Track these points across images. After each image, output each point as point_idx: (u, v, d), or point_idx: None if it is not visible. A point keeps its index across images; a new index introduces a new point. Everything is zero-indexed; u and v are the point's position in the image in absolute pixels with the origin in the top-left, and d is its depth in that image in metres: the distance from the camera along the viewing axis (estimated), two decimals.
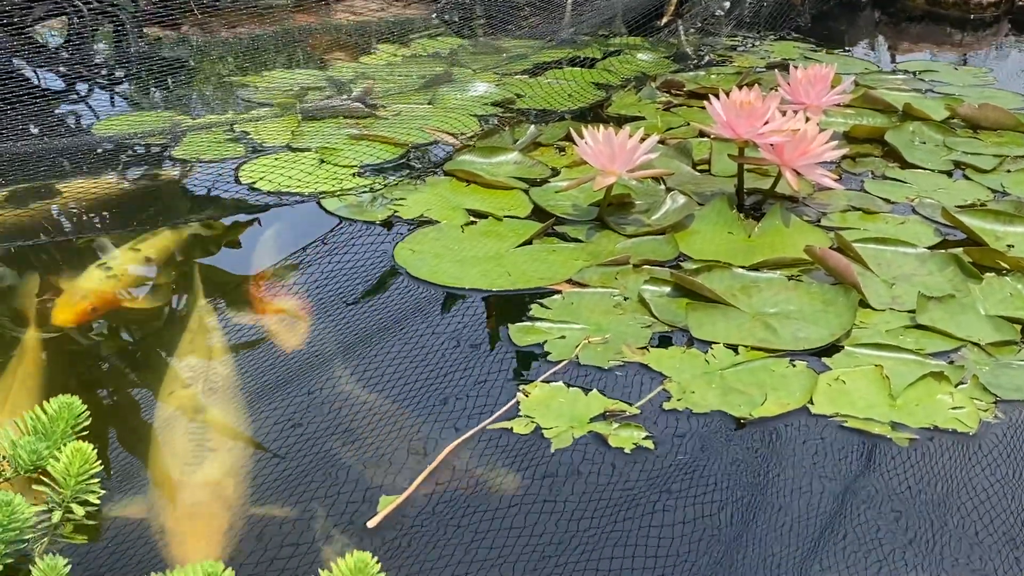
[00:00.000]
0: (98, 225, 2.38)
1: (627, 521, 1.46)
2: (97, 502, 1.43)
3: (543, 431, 1.63)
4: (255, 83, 3.33)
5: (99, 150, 2.81)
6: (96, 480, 1.44)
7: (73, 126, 3.02)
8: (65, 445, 1.49)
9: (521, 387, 1.74)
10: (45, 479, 1.43)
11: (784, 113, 2.37)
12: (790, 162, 2.32)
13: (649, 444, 1.60)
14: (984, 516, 1.49)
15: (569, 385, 1.75)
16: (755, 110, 2.31)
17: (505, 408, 1.69)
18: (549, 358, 1.83)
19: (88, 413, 1.53)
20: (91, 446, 1.44)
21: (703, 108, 2.60)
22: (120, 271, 2.14)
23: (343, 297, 2.06)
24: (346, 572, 1.21)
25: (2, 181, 2.48)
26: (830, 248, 2.13)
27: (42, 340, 1.88)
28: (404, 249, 2.21)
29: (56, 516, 1.40)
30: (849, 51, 4.14)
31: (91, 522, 1.42)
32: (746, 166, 2.47)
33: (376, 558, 1.21)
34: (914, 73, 3.67)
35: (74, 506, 1.42)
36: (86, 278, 2.10)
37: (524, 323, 1.94)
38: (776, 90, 2.53)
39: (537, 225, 2.31)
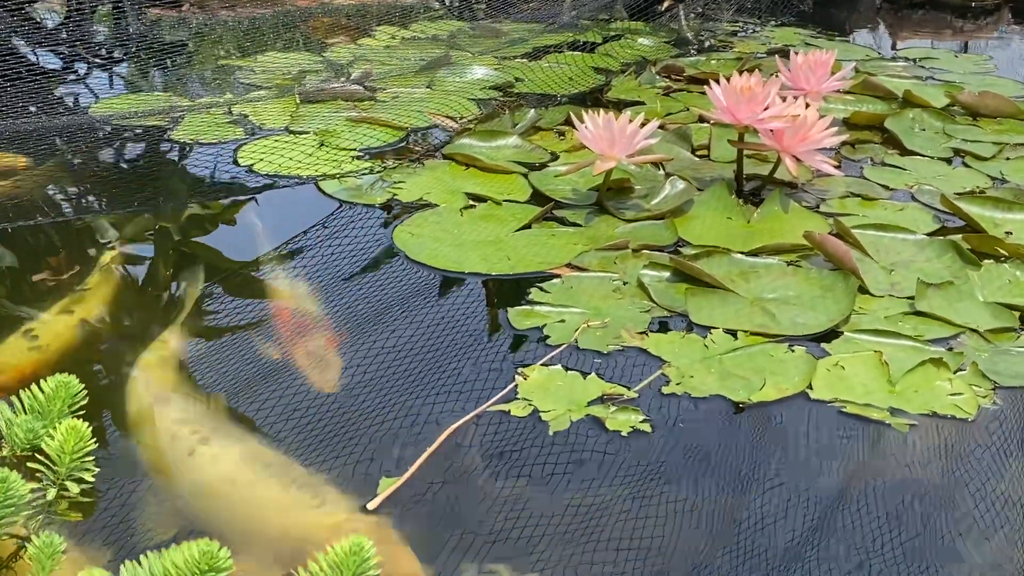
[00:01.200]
0: (97, 206, 2.38)
1: (624, 501, 1.46)
2: (92, 480, 1.43)
3: (541, 414, 1.63)
4: (253, 65, 3.32)
5: (99, 132, 2.81)
6: (91, 458, 1.44)
7: (71, 106, 3.02)
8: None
9: (520, 370, 1.74)
10: (40, 457, 1.43)
11: (784, 99, 2.37)
12: (790, 148, 2.32)
13: (646, 427, 1.60)
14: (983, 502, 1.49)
15: (568, 369, 1.75)
16: (755, 95, 2.30)
17: (504, 391, 1.69)
18: (548, 342, 1.83)
19: (85, 392, 1.54)
20: (86, 424, 1.44)
21: (703, 93, 2.59)
22: (46, 342, 1.83)
23: (341, 279, 2.06)
24: (341, 556, 1.20)
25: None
26: (829, 234, 2.13)
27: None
28: (403, 232, 2.21)
29: (51, 494, 1.40)
30: (850, 38, 4.13)
31: (86, 499, 1.42)
32: (746, 152, 2.46)
33: (372, 542, 1.20)
34: (915, 60, 3.67)
35: (69, 484, 1.42)
36: (5, 349, 1.79)
37: (523, 307, 1.93)
38: (776, 76, 2.52)
39: (536, 209, 2.30)
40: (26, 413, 1.50)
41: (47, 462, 1.42)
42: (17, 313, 1.92)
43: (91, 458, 1.43)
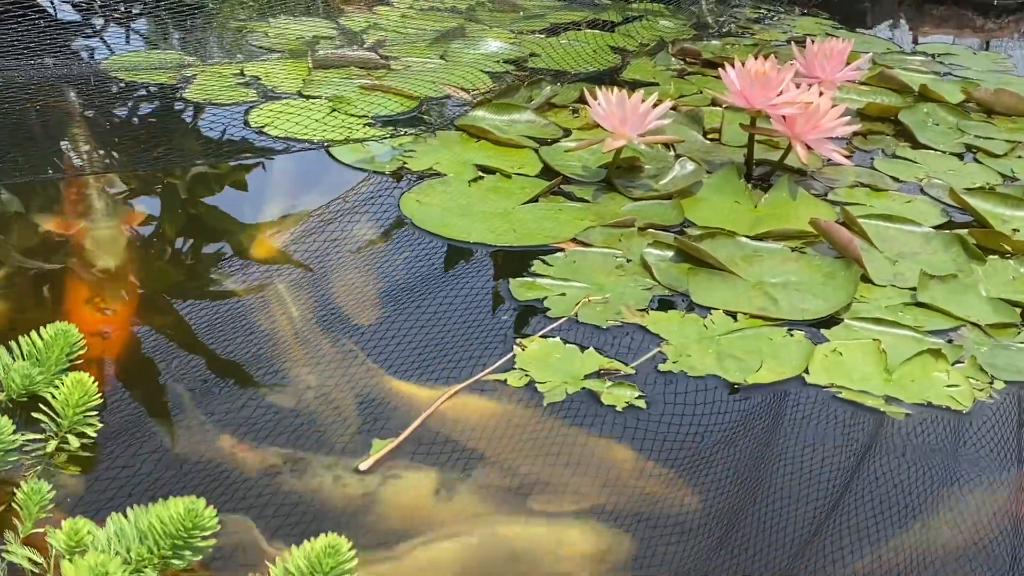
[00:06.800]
0: (108, 162, 2.38)
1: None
2: (94, 435, 1.44)
3: (537, 384, 1.64)
4: (267, 29, 3.31)
5: (113, 87, 2.81)
6: (94, 413, 1.45)
7: (87, 59, 3.02)
8: (59, 372, 1.50)
9: (518, 341, 1.75)
10: (43, 407, 1.44)
11: (798, 86, 2.36)
12: (801, 135, 2.31)
13: (641, 403, 1.61)
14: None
15: (566, 342, 1.75)
16: (769, 80, 2.29)
17: (501, 361, 1.70)
18: (548, 314, 1.84)
19: (84, 342, 1.54)
20: (92, 377, 1.44)
21: (718, 77, 2.59)
22: None
23: (346, 244, 2.07)
24: (312, 556, 1.17)
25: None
26: (835, 222, 2.12)
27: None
28: (411, 200, 2.21)
29: (51, 445, 1.41)
30: (872, 30, 4.11)
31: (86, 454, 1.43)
32: (756, 137, 2.46)
33: (351, 542, 1.18)
34: (933, 55, 3.64)
35: (70, 437, 1.43)
36: None
37: (525, 278, 1.94)
38: (792, 63, 2.51)
39: (545, 183, 2.30)
40: (24, 359, 1.52)
41: (51, 413, 1.43)
42: (26, 265, 1.93)
43: (94, 413, 1.44)
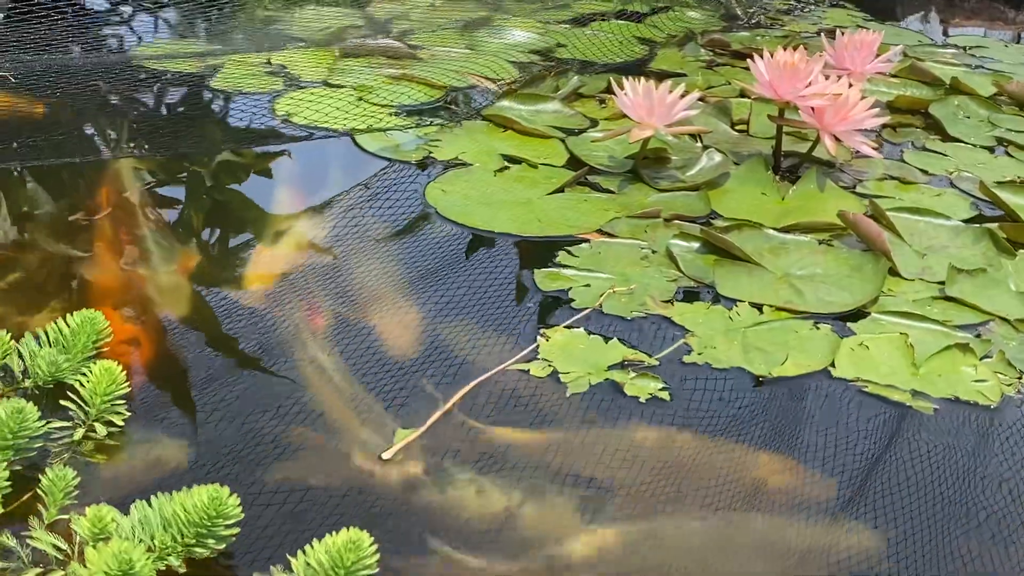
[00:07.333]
0: (134, 149, 2.39)
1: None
2: (121, 423, 1.44)
3: (560, 375, 1.63)
4: (294, 17, 3.31)
5: (141, 75, 2.82)
6: (122, 402, 1.45)
7: (115, 47, 3.03)
8: (85, 360, 1.51)
9: (542, 331, 1.74)
10: (71, 395, 1.44)
11: (827, 77, 2.34)
12: (830, 127, 2.29)
13: (665, 395, 1.60)
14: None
15: (590, 332, 1.74)
16: (798, 71, 2.27)
17: (525, 351, 1.69)
18: (573, 305, 1.83)
19: (110, 329, 1.55)
20: (120, 366, 1.45)
21: (746, 69, 2.57)
22: None
23: (370, 232, 2.07)
24: (333, 551, 1.18)
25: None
26: (863, 215, 2.10)
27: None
28: (435, 189, 2.21)
29: (78, 434, 1.42)
30: (903, 23, 4.07)
31: (112, 443, 1.43)
32: (784, 129, 2.44)
33: (372, 537, 1.19)
34: (964, 48, 3.60)
35: (97, 425, 1.43)
36: None
37: (550, 269, 1.93)
38: (821, 54, 2.49)
39: (571, 174, 2.29)
40: (50, 346, 1.52)
41: (79, 401, 1.44)
42: (55, 251, 1.94)
43: (122, 401, 1.45)
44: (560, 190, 2.24)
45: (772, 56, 2.30)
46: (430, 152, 2.39)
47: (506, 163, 2.36)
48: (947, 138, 2.70)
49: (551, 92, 2.76)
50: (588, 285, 1.89)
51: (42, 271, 1.86)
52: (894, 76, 3.05)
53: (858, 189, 2.34)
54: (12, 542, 1.22)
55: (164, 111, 2.68)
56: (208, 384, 1.58)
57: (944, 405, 1.63)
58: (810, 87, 2.29)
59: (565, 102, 2.70)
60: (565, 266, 1.95)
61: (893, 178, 2.41)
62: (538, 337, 1.73)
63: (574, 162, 2.39)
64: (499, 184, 2.26)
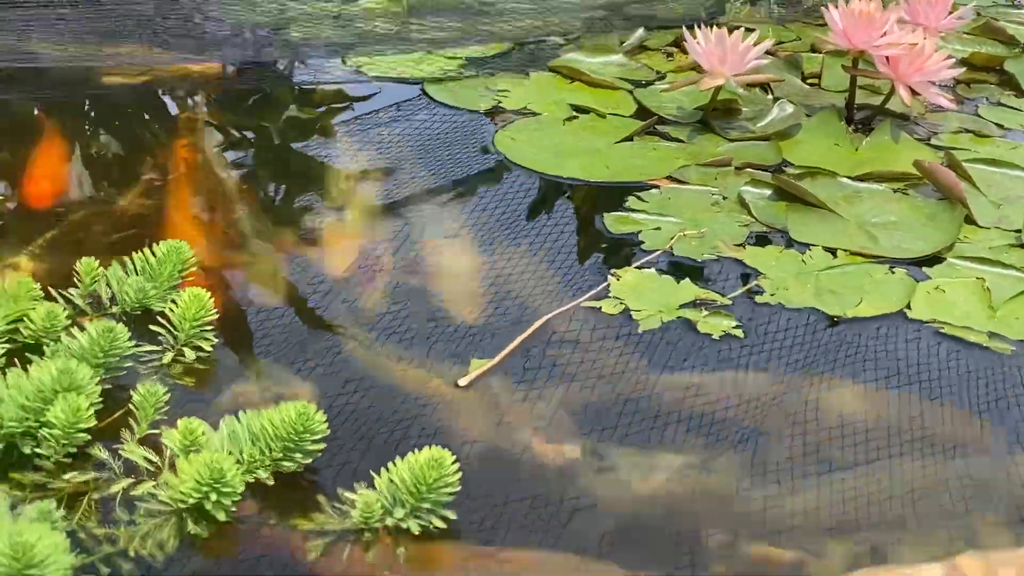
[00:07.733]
0: (199, 102, 2.42)
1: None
2: (209, 349, 1.48)
3: (632, 312, 1.65)
4: None
5: (206, 29, 2.84)
6: (211, 327, 1.49)
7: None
8: (170, 288, 1.55)
9: (613, 271, 1.75)
10: (160, 320, 1.48)
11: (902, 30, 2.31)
12: (905, 77, 2.26)
13: (739, 332, 1.61)
14: None
15: (662, 272, 1.75)
16: (873, 20, 2.24)
17: (596, 290, 1.71)
18: (643, 247, 1.84)
19: (195, 260, 1.59)
20: (208, 293, 1.48)
21: (818, 25, 2.54)
22: None
23: (443, 176, 2.09)
24: (415, 468, 1.21)
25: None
26: (940, 164, 2.08)
27: None
28: (505, 137, 2.22)
29: (167, 357, 1.46)
30: None
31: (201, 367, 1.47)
32: (858, 81, 2.41)
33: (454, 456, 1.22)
34: None
35: (186, 350, 1.47)
36: None
37: (620, 213, 1.94)
38: (896, 3, 2.46)
39: (639, 123, 2.29)
40: (137, 275, 1.56)
41: (167, 326, 1.47)
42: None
43: (211, 328, 1.49)
44: (629, 139, 2.24)
45: (847, 4, 2.28)
46: (499, 102, 2.40)
47: (574, 113, 2.36)
48: (1022, 94, 2.66)
49: (617, 45, 2.75)
50: (659, 228, 1.89)
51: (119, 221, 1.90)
52: (968, 34, 3.00)
53: (932, 142, 2.32)
54: (104, 454, 1.27)
55: (231, 67, 2.69)
56: (293, 316, 1.62)
57: (1021, 346, 1.62)
58: (885, 36, 2.26)
59: (631, 55, 2.70)
60: (635, 210, 1.95)
61: (968, 131, 2.38)
62: (609, 276, 1.74)
63: (642, 112, 2.38)
64: (568, 133, 2.26)
